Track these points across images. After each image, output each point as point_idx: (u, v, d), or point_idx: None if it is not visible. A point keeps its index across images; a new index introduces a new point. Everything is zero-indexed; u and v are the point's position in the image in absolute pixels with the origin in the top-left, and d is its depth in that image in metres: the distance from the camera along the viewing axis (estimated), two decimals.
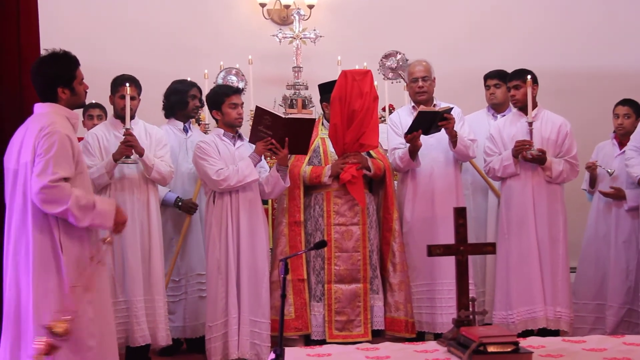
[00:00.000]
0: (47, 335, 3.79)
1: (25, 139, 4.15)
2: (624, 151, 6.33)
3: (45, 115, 4.17)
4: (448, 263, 5.65)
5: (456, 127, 5.90)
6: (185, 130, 6.46)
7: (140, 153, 5.73)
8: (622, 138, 6.48)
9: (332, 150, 5.90)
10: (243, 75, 6.82)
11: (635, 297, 6.16)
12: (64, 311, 3.97)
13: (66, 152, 4.09)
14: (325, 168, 5.84)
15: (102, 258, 4.23)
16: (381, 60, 6.65)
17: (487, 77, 6.61)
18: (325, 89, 5.95)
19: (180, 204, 6.22)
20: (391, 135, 6.18)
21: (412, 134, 5.78)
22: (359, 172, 5.76)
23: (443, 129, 5.86)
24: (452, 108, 5.90)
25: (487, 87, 6.52)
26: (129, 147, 5.67)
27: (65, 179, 4.06)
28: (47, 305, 4.04)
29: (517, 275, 5.91)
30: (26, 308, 4.07)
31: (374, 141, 5.82)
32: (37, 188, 4.01)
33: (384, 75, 6.66)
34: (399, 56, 6.62)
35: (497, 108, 6.60)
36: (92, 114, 6.84)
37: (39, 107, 4.27)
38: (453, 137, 5.90)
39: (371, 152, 5.96)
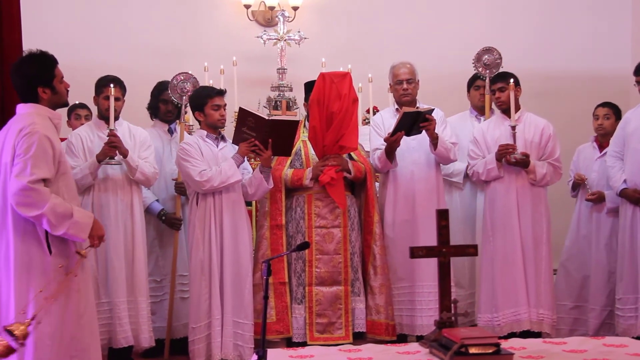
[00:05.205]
0: (6, 336, 3.75)
1: (6, 139, 4.13)
2: (604, 154, 6.39)
3: (27, 116, 4.15)
4: (428, 265, 5.69)
5: (438, 130, 5.92)
6: (171, 131, 6.46)
7: (124, 154, 5.73)
8: (602, 139, 6.54)
9: (314, 152, 5.90)
10: None
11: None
12: (28, 315, 3.94)
13: (45, 152, 4.05)
14: (307, 171, 5.85)
15: (74, 269, 4.15)
16: (478, 54, 6.53)
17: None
18: (312, 87, 5.89)
19: (164, 217, 6.21)
20: (373, 136, 6.20)
21: (396, 135, 5.80)
22: (338, 174, 5.76)
23: (424, 131, 5.88)
24: (433, 109, 5.93)
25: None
26: (113, 148, 5.67)
27: (45, 180, 4.04)
28: (28, 307, 4.02)
29: (502, 277, 5.94)
30: (6, 311, 4.05)
31: (353, 143, 5.83)
32: (14, 189, 3.98)
33: (475, 68, 6.58)
34: (495, 52, 6.55)
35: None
36: (80, 113, 6.83)
37: (21, 108, 4.25)
38: (434, 139, 5.91)
39: (352, 154, 5.97)
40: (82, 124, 6.42)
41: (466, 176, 6.47)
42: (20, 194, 3.97)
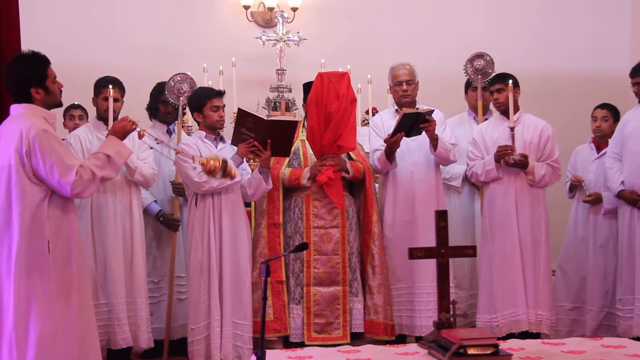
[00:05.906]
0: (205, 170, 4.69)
1: (2, 141, 4.12)
2: (601, 155, 6.39)
3: (23, 117, 4.14)
4: (427, 266, 5.68)
5: (437, 131, 5.91)
6: (170, 132, 6.45)
7: None
8: (599, 141, 6.54)
9: (312, 152, 5.90)
10: None
11: (614, 300, 6.21)
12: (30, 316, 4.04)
13: (62, 144, 4.16)
14: (304, 170, 5.85)
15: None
16: (469, 60, 6.52)
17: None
18: (311, 88, 5.88)
19: (162, 219, 6.20)
20: (373, 136, 6.20)
21: (396, 136, 5.80)
22: (336, 174, 5.76)
23: (424, 132, 5.88)
24: (433, 111, 5.93)
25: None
26: None
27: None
28: (29, 308, 4.02)
29: (500, 278, 5.93)
30: (6, 311, 4.04)
31: (351, 143, 5.83)
32: (68, 189, 4.08)
33: (466, 73, 6.57)
34: (487, 58, 6.53)
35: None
36: (74, 114, 6.83)
37: (15, 109, 4.24)
38: (434, 140, 5.91)
39: (351, 154, 5.97)
40: (76, 124, 6.41)
41: (464, 179, 6.47)
42: (75, 187, 4.10)
